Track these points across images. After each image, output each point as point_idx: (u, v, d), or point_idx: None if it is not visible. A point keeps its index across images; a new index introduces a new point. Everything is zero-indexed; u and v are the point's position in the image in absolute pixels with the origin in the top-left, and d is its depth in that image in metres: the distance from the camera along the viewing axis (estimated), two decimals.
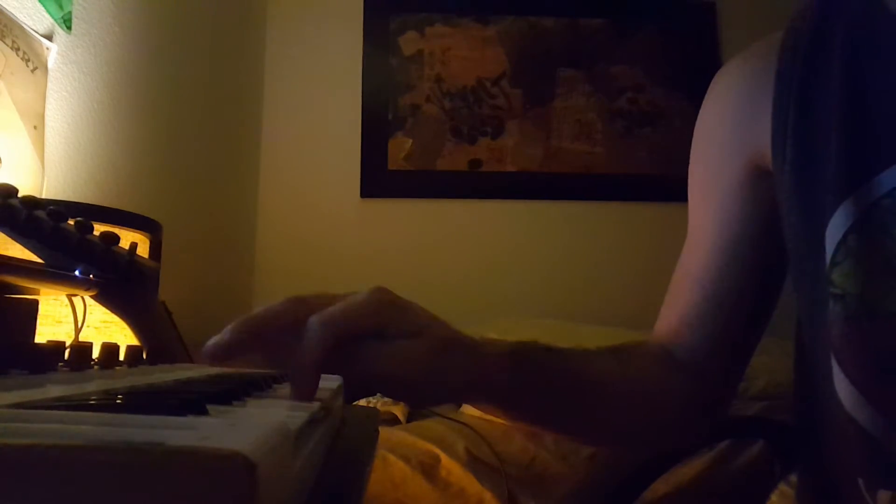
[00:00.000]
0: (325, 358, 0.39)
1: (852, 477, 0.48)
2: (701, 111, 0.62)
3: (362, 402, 1.11)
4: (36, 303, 0.55)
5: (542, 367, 0.51)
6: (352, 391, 0.43)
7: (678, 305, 0.60)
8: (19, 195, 0.52)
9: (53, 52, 1.11)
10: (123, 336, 0.77)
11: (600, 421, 0.56)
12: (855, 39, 0.49)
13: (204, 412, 0.23)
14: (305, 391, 0.35)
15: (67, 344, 0.39)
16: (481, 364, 0.46)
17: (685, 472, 1.12)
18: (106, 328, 0.83)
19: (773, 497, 0.91)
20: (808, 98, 0.50)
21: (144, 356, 0.48)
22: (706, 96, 0.61)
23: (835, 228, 0.47)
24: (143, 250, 0.95)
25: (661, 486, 1.05)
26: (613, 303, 1.94)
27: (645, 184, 2.12)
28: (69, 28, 1.16)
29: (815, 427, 0.54)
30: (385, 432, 1.19)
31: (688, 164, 0.63)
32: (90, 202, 1.13)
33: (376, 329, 0.42)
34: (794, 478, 0.74)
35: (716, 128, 0.60)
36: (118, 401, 0.25)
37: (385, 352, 0.41)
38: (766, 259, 0.57)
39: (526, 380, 0.49)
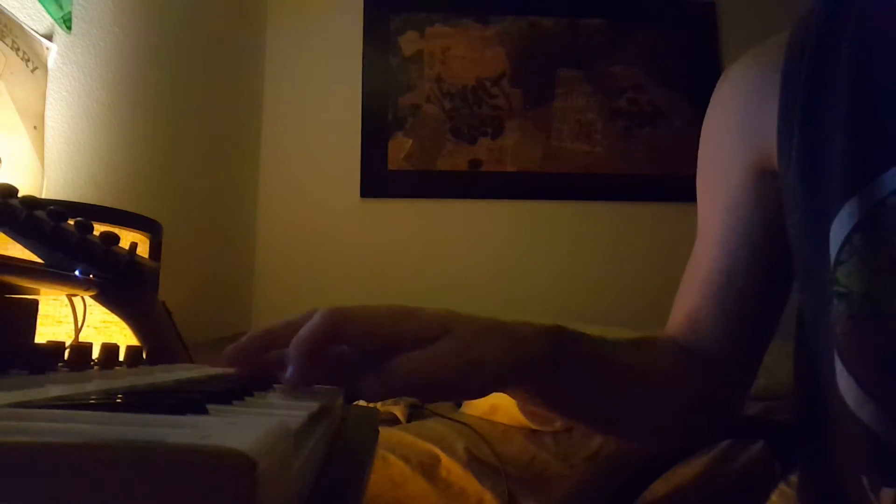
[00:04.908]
0: (323, 339, 0.40)
1: (856, 475, 0.48)
2: (708, 112, 0.62)
3: (362, 403, 1.11)
4: (36, 303, 0.55)
5: (580, 348, 0.50)
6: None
7: (688, 304, 0.61)
8: (19, 195, 0.52)
9: (53, 52, 1.11)
10: (123, 336, 0.77)
11: (627, 411, 0.56)
12: (863, 38, 0.49)
13: (204, 411, 0.23)
14: (303, 372, 0.38)
15: (67, 344, 0.39)
16: (522, 346, 0.45)
17: (685, 472, 1.12)
18: (106, 328, 0.83)
19: (773, 497, 0.91)
20: (814, 97, 0.50)
21: (144, 356, 0.48)
22: (713, 97, 0.61)
23: (839, 227, 0.47)
24: (143, 250, 0.95)
25: (661, 486, 1.05)
26: (613, 303, 1.94)
27: (645, 184, 2.11)
28: (69, 28, 1.16)
29: (817, 426, 0.54)
30: (385, 432, 1.19)
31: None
32: (90, 202, 1.13)
33: (391, 337, 0.41)
34: (794, 478, 0.74)
35: (722, 129, 0.60)
36: (118, 400, 0.25)
37: (409, 362, 0.40)
38: (773, 259, 0.57)
39: (568, 359, 0.48)
